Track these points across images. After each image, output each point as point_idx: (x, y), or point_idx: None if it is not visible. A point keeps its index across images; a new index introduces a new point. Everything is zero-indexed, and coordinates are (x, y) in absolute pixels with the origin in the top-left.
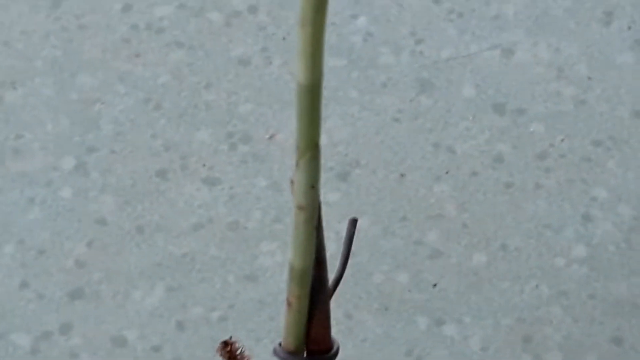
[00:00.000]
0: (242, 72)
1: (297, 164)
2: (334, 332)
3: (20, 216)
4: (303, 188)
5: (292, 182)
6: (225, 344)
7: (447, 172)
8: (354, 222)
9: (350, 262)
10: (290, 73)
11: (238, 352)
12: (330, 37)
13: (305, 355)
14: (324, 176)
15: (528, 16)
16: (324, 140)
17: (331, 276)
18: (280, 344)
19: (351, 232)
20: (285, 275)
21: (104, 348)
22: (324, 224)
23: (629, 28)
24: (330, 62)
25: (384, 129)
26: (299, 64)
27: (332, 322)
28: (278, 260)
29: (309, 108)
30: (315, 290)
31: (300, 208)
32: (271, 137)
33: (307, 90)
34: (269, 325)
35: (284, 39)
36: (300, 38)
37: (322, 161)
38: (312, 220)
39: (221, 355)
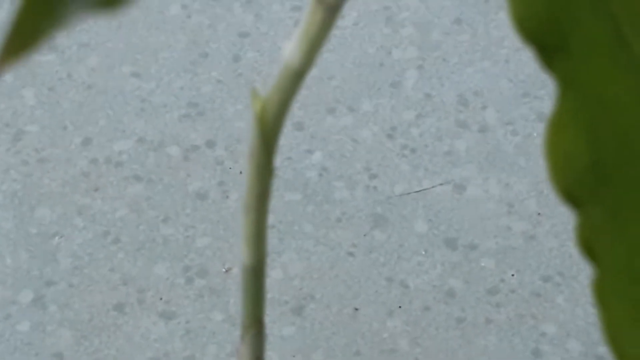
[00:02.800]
0: (200, 206)
1: (242, 338)
2: None
3: None
4: None
5: (237, 352)
6: None
7: (400, 307)
8: None
9: None
10: None
11: None
12: (286, 171)
13: None
14: (279, 310)
15: (479, 152)
16: (279, 274)
17: None
18: None
19: None
20: None
21: None
22: (278, 358)
23: None
24: (286, 196)
25: (338, 264)
26: (243, 246)
27: None
28: None
29: (253, 287)
30: None
31: None
32: (227, 270)
33: (251, 271)
34: None
35: (240, 173)
36: (244, 223)
37: (277, 295)
38: None
39: None
